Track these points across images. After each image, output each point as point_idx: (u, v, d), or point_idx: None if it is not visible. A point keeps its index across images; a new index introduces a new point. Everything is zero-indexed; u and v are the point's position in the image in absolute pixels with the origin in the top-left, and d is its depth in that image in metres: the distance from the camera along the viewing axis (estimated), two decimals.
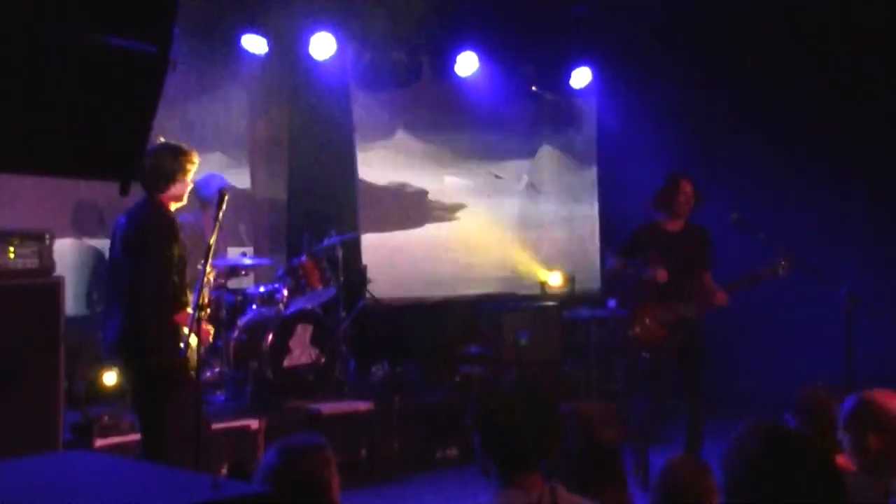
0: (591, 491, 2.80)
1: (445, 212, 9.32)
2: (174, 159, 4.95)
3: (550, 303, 8.62)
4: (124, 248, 4.92)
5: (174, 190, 4.97)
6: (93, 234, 7.54)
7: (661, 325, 6.26)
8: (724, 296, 6.29)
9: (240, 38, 7.79)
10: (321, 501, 2.77)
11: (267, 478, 2.72)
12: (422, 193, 9.18)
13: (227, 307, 6.83)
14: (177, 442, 4.75)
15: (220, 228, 4.77)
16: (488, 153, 9.56)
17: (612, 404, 7.30)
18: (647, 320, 6.31)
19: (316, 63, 8.14)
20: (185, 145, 5.10)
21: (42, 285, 5.14)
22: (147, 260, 4.81)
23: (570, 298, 8.95)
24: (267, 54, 7.98)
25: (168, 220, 4.92)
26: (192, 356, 4.70)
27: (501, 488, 2.58)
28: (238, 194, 7.75)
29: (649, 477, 6.10)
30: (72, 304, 6.47)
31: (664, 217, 6.43)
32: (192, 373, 4.73)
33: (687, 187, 6.36)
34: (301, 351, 6.89)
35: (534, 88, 9.53)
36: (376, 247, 8.58)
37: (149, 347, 4.78)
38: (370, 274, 8.06)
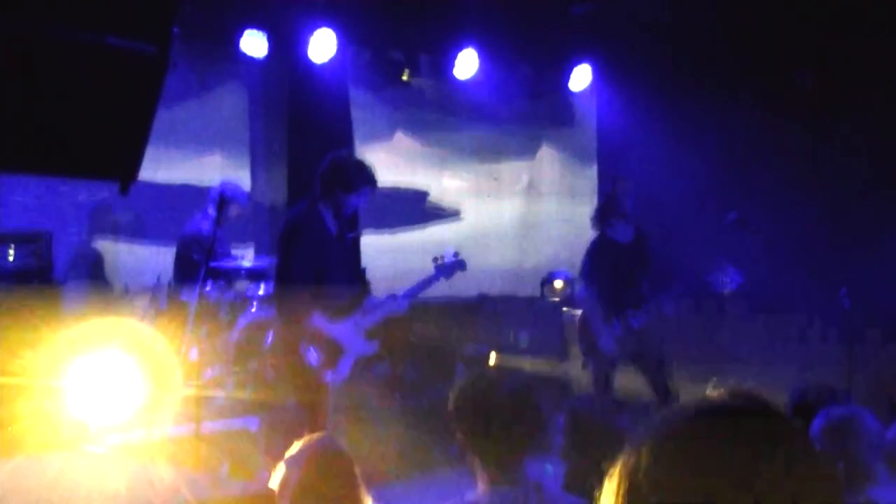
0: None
1: (445, 212, 9.31)
2: None
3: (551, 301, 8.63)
4: None
5: None
6: (94, 234, 7.54)
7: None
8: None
9: (239, 39, 7.78)
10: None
11: (313, 469, 2.75)
12: (422, 194, 9.17)
13: (228, 307, 6.82)
14: None
15: (221, 229, 4.77)
16: (488, 153, 9.55)
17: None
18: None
19: (315, 63, 8.13)
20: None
21: (42, 286, 5.14)
22: None
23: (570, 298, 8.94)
24: (266, 55, 7.97)
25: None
26: None
27: (487, 485, 2.58)
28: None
29: None
30: (72, 302, 6.47)
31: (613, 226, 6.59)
32: None
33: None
34: None
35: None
36: (376, 248, 8.56)
37: None
38: (370, 275, 8.05)
